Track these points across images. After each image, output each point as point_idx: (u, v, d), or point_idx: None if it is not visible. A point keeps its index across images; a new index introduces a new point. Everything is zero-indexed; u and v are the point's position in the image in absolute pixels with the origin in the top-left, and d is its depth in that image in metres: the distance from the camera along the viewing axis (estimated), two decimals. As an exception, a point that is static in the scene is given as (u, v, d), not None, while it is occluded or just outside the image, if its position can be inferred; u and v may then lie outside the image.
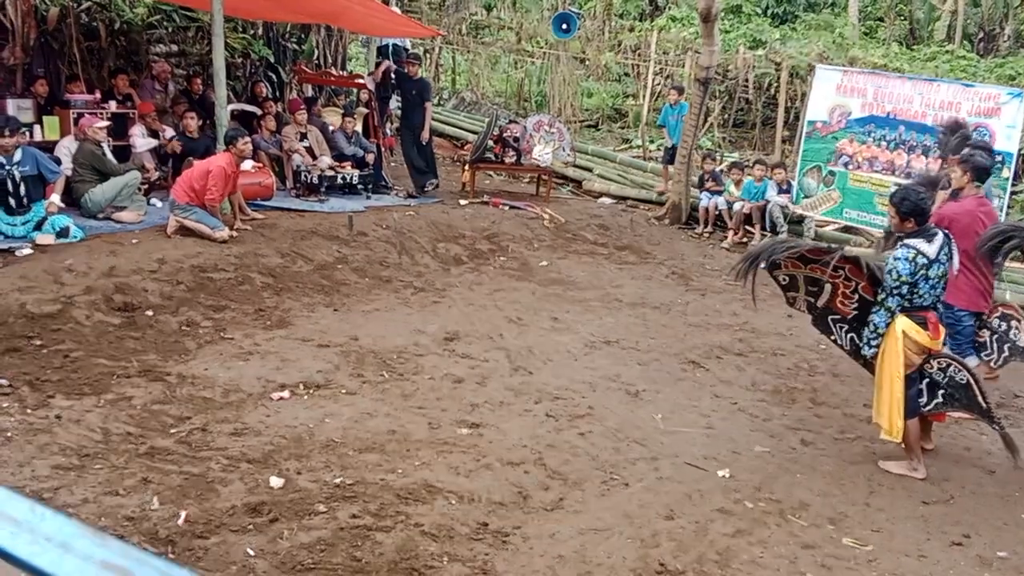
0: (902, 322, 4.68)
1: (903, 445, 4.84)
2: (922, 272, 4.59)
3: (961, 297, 5.79)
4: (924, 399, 4.84)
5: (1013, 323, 5.35)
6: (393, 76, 11.08)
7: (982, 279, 5.86)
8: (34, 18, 9.34)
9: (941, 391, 4.79)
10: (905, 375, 4.69)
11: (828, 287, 5.11)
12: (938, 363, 4.79)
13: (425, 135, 10.73)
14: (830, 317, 5.17)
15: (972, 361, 5.48)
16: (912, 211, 4.67)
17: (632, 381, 5.99)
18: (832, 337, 5.23)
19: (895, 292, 4.63)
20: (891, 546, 4.01)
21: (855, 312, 5.08)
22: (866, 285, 4.99)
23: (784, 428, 5.40)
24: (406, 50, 13.17)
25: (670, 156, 12.23)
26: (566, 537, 3.83)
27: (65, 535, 0.92)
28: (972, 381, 4.71)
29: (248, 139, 8.10)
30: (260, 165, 9.74)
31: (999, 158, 9.98)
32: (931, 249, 4.62)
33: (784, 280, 5.23)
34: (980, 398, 4.67)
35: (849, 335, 5.12)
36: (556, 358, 6.34)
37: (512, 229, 10.02)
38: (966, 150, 6.05)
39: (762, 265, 5.06)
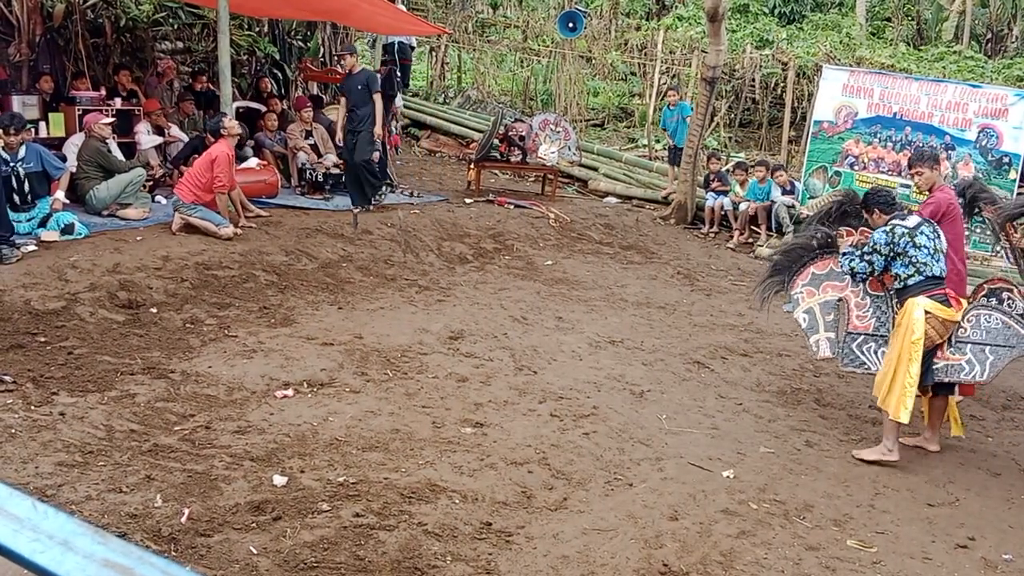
0: (923, 302, 4.77)
1: (889, 423, 4.90)
2: (906, 239, 4.82)
3: (950, 285, 5.79)
4: (977, 369, 4.78)
5: (1005, 295, 5.22)
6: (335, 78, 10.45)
7: (963, 266, 5.85)
8: (40, 14, 9.35)
9: (988, 347, 4.75)
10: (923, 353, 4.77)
11: (844, 306, 5.20)
12: (969, 321, 4.82)
13: (378, 131, 9.31)
14: (854, 344, 5.19)
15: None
16: (867, 204, 5.19)
17: (637, 381, 5.97)
18: (866, 367, 5.19)
19: (866, 257, 4.94)
20: (896, 548, 3.99)
21: (874, 320, 5.11)
22: (872, 281, 5.09)
23: (789, 429, 5.39)
24: (411, 47, 13.13)
25: (673, 157, 12.26)
26: (570, 537, 3.82)
27: (67, 533, 0.91)
28: (1005, 317, 4.72)
29: (231, 116, 8.09)
30: (264, 163, 9.76)
31: (1006, 159, 9.96)
32: (908, 222, 4.95)
33: (805, 320, 5.37)
34: (1021, 328, 4.68)
35: (880, 351, 5.09)
36: (560, 358, 6.33)
37: (517, 228, 10.01)
38: (914, 151, 6.07)
39: (775, 284, 5.48)
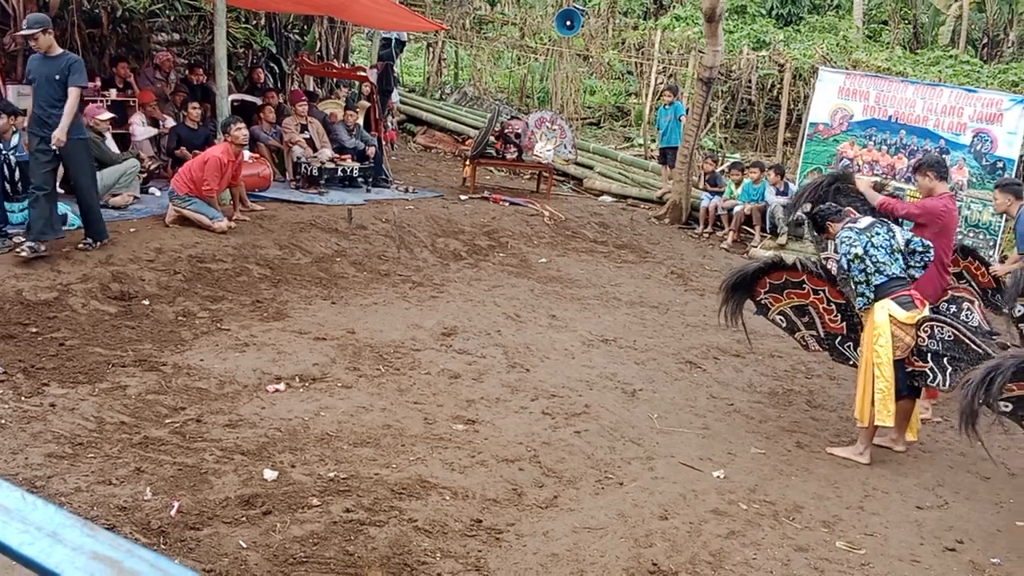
0: (886, 304, 4.81)
1: (863, 428, 4.97)
2: (864, 238, 4.87)
3: (928, 292, 5.82)
4: (939, 378, 4.82)
5: (965, 304, 5.22)
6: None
7: (946, 276, 5.88)
8: (36, 4, 9.30)
9: (945, 358, 4.79)
10: (895, 360, 4.81)
11: (813, 311, 5.29)
12: (926, 331, 4.84)
13: (60, 136, 6.24)
14: (837, 341, 5.33)
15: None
16: (819, 222, 5.28)
17: (629, 380, 5.98)
18: (851, 362, 5.34)
19: (853, 266, 4.88)
20: (885, 550, 4.01)
21: (845, 322, 5.20)
22: (831, 289, 5.19)
23: (780, 430, 5.40)
24: (403, 43, 13.07)
25: (664, 157, 12.29)
26: (559, 535, 3.82)
27: (55, 525, 0.91)
28: (957, 333, 4.75)
29: (242, 125, 8.04)
30: (256, 156, 9.73)
31: (1000, 164, 9.98)
32: (859, 223, 5.01)
33: (782, 322, 5.49)
34: (973, 345, 4.69)
35: (859, 349, 5.15)
36: (553, 356, 6.33)
37: (512, 225, 10.00)
38: (924, 156, 6.04)
39: (735, 303, 5.50)
